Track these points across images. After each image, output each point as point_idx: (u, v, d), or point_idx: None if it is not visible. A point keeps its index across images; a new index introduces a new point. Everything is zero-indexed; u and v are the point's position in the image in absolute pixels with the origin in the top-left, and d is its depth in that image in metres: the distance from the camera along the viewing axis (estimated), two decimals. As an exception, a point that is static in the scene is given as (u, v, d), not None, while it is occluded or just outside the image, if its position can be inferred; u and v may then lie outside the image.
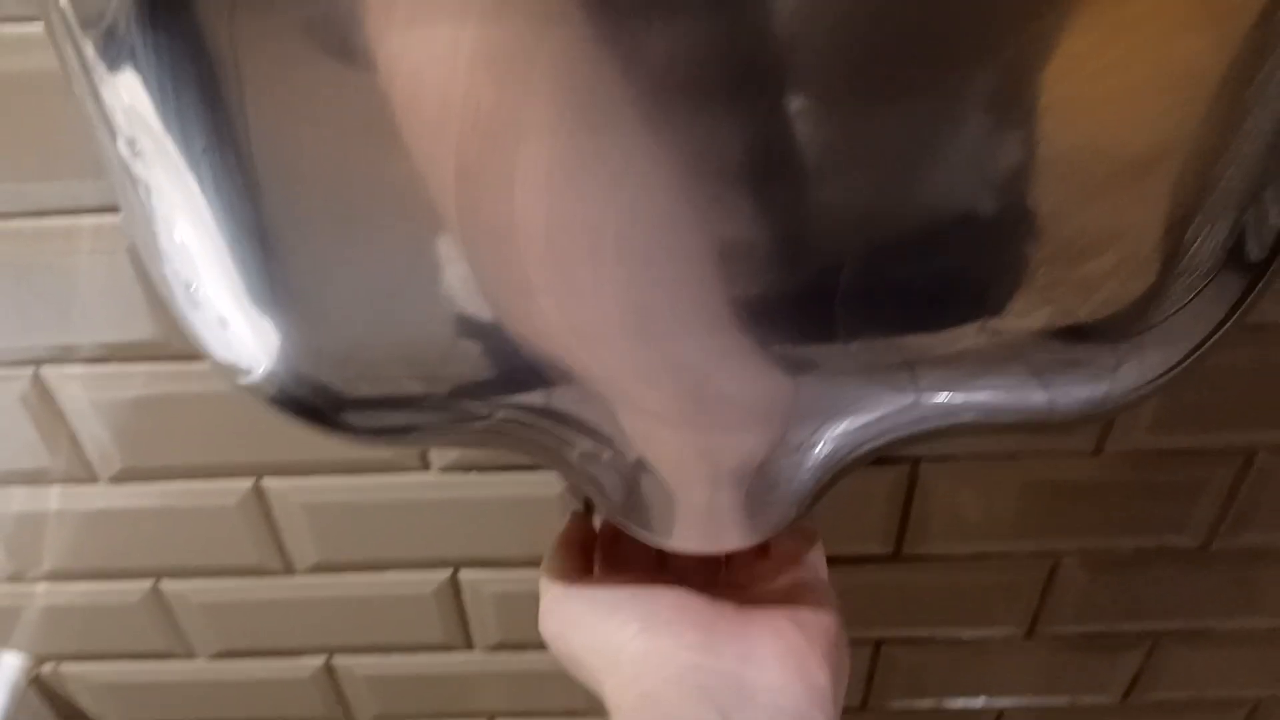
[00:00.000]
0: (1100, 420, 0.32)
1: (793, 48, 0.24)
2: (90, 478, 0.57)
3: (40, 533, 0.59)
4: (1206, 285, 0.28)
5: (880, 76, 0.25)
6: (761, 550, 0.42)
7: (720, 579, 0.42)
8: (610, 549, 0.45)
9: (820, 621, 0.37)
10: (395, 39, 0.25)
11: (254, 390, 0.32)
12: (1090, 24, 0.24)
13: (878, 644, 0.70)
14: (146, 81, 0.27)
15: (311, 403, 0.32)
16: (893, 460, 0.58)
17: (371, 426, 0.33)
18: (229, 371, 0.32)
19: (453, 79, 0.25)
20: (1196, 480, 0.60)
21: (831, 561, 0.62)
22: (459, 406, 0.33)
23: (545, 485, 0.58)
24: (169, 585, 0.63)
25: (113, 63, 0.27)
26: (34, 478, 0.57)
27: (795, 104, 0.25)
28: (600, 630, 0.38)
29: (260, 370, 0.32)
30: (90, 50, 0.27)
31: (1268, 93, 0.24)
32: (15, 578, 0.62)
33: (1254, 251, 0.27)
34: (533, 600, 0.64)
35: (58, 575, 0.62)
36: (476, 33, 0.24)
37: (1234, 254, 0.27)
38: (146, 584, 0.63)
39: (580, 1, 0.23)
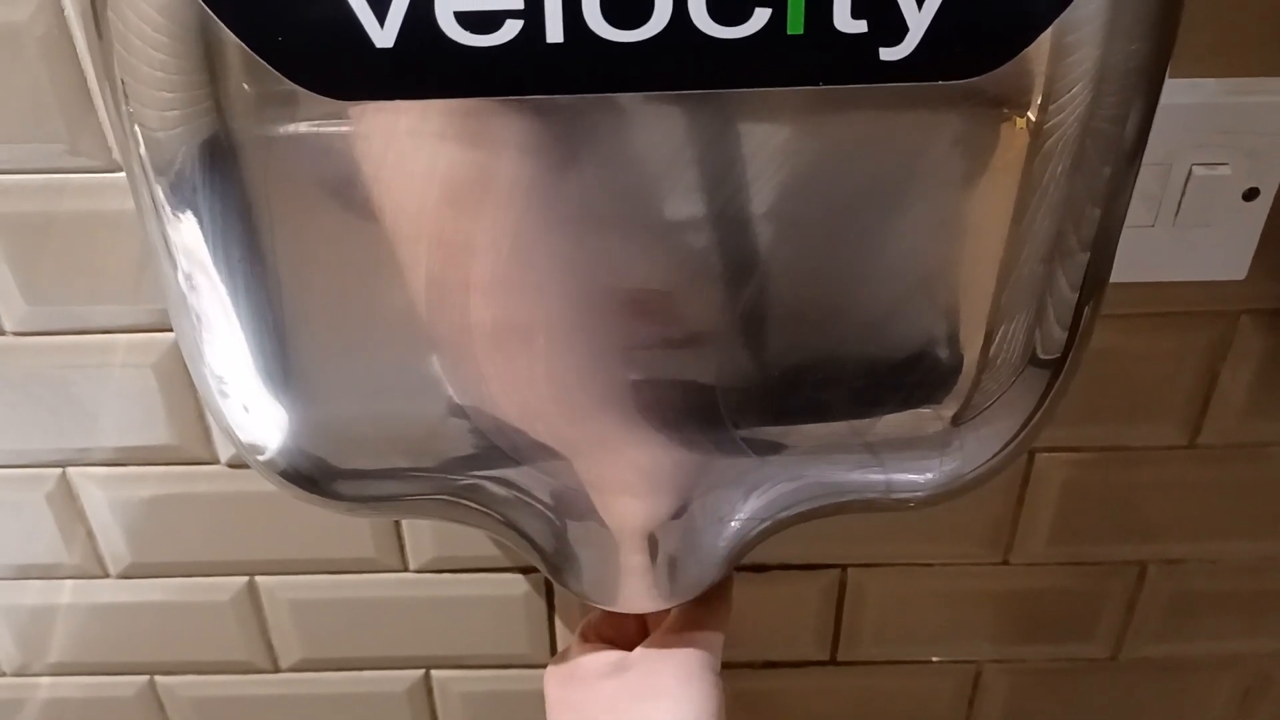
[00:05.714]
0: (959, 494, 0.40)
1: (680, 196, 0.33)
2: (102, 573, 0.63)
3: (50, 626, 0.65)
4: (1015, 380, 0.36)
5: (750, 218, 0.34)
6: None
7: None
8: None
9: None
10: (382, 184, 0.34)
11: (268, 465, 0.40)
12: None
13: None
14: (200, 216, 0.36)
15: (311, 474, 0.40)
16: (822, 566, 0.64)
17: (358, 495, 0.41)
18: (249, 450, 0.40)
19: (423, 210, 0.34)
20: (1097, 591, 0.66)
21: (771, 666, 0.69)
22: (432, 478, 0.40)
23: (513, 585, 0.64)
24: (163, 681, 0.68)
25: (177, 203, 0.35)
26: (49, 572, 0.63)
27: (681, 236, 0.34)
28: None
29: (273, 447, 0.39)
30: (160, 192, 0.35)
31: (1035, 228, 0.33)
32: (21, 670, 0.68)
33: (1047, 351, 0.36)
34: (499, 699, 0.70)
35: (60, 669, 0.68)
36: (442, 174, 0.33)
37: (1032, 354, 0.36)
38: (143, 679, 0.68)
39: (517, 147, 0.32)
